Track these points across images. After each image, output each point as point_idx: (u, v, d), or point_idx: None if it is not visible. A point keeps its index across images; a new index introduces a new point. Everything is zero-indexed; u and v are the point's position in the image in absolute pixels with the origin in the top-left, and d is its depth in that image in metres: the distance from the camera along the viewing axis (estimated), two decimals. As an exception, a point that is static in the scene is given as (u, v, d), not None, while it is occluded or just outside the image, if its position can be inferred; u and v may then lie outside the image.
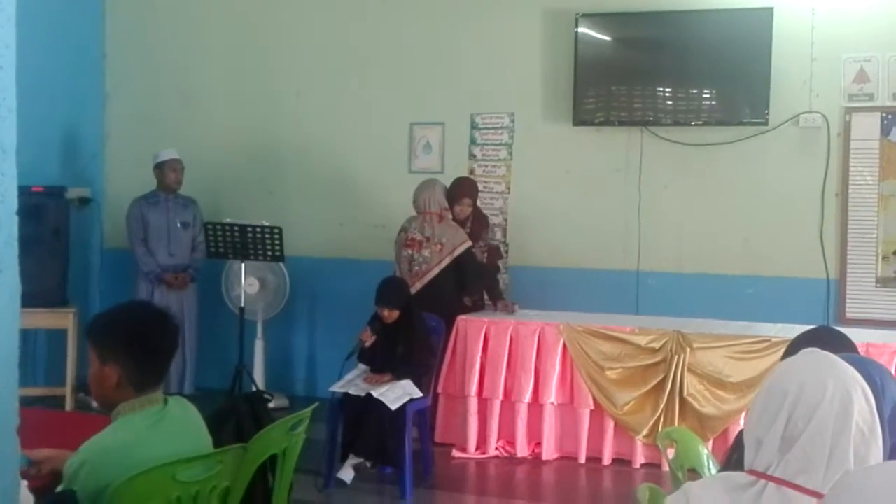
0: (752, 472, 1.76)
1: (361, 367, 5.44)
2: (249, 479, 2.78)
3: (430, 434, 5.76)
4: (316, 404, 3.31)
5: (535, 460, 5.88)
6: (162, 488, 2.45)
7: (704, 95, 6.64)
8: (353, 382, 5.30)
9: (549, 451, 5.87)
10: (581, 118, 6.81)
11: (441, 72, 7.23)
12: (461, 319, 6.04)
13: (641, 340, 5.73)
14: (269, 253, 6.75)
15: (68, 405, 6.61)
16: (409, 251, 6.18)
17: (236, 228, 6.75)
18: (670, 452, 3.22)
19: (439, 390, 5.95)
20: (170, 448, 2.51)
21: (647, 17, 6.73)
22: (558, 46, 6.90)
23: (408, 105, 7.30)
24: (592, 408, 5.78)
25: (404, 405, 5.15)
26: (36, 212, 6.42)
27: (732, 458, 2.39)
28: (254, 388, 6.53)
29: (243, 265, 6.83)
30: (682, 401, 5.57)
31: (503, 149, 7.14)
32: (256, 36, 7.68)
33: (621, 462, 5.78)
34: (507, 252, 7.03)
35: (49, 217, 6.68)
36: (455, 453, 5.96)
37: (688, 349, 5.58)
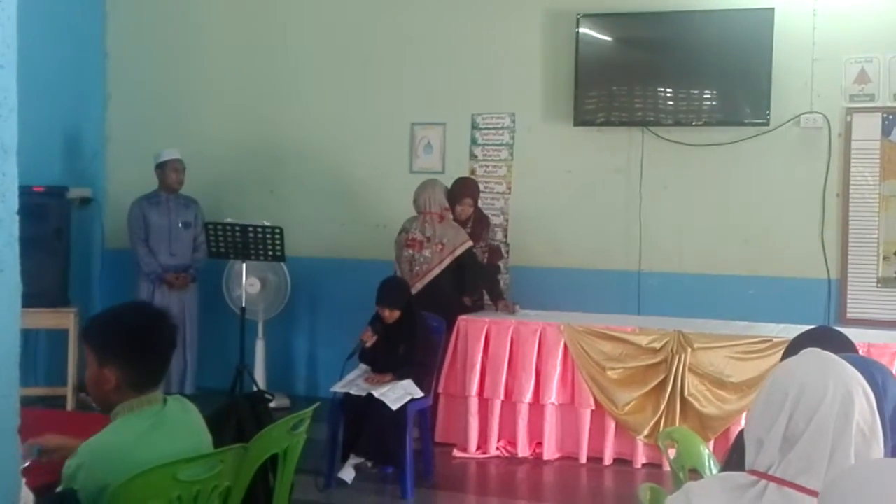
0: (752, 472, 1.76)
1: (362, 367, 5.44)
2: (250, 479, 2.78)
3: (431, 434, 5.76)
4: (317, 404, 3.31)
5: (536, 460, 5.88)
6: (163, 488, 2.45)
7: (705, 96, 6.64)
8: (355, 382, 5.30)
9: (550, 451, 5.87)
10: (582, 118, 6.81)
11: (442, 72, 7.23)
12: (462, 319, 6.04)
13: (642, 340, 5.73)
14: (271, 253, 6.76)
15: (69, 405, 6.61)
16: (411, 251, 6.17)
17: (237, 228, 6.76)
18: (671, 452, 3.22)
19: (440, 390, 5.95)
20: (169, 448, 2.50)
21: (649, 17, 6.73)
22: (559, 47, 6.90)
23: (409, 105, 7.30)
24: (593, 408, 5.78)
25: (405, 405, 5.16)
26: (37, 212, 6.41)
27: (733, 458, 2.38)
28: (255, 388, 6.53)
29: (244, 265, 6.84)
30: (684, 401, 5.57)
31: (504, 149, 7.14)
32: (258, 36, 7.68)
33: (622, 462, 5.78)
34: (508, 252, 7.03)
35: (50, 217, 6.68)
36: (456, 453, 5.96)
37: (689, 349, 5.58)
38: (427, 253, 6.13)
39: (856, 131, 6.36)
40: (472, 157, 7.21)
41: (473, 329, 5.99)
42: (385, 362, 5.34)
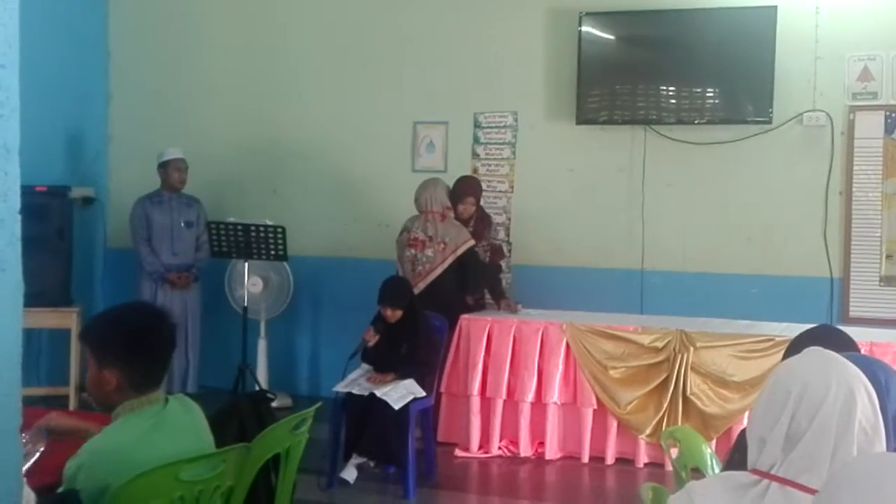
0: (755, 471, 1.76)
1: (365, 366, 5.44)
2: (252, 479, 2.78)
3: (434, 433, 5.76)
4: (319, 404, 3.31)
5: (539, 460, 5.88)
6: (165, 488, 2.45)
7: (708, 94, 6.63)
8: (357, 382, 5.30)
9: (552, 451, 5.87)
10: (585, 117, 6.81)
11: (444, 70, 7.23)
12: (464, 319, 6.04)
13: (645, 339, 5.73)
14: (273, 252, 6.76)
15: (71, 404, 6.62)
16: (413, 251, 6.17)
17: (240, 228, 6.76)
18: (674, 452, 3.22)
19: (442, 390, 5.95)
20: (170, 448, 2.50)
21: (651, 15, 6.72)
22: (562, 45, 6.89)
23: (411, 104, 7.30)
24: (596, 407, 5.78)
25: (407, 405, 5.15)
26: (39, 211, 6.41)
27: (735, 457, 2.38)
28: (257, 388, 6.54)
29: (247, 264, 6.85)
30: (686, 400, 5.56)
31: (506, 148, 7.13)
32: (260, 35, 7.68)
33: (625, 461, 5.77)
34: (510, 251, 7.03)
35: (53, 216, 6.68)
36: (458, 453, 5.96)
37: (691, 348, 5.58)
38: (429, 252, 6.13)
39: (859, 129, 6.35)
40: (475, 155, 7.21)
41: (475, 328, 5.99)
42: (387, 362, 5.33)
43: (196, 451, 2.57)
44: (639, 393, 5.68)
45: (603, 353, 5.77)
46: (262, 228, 6.74)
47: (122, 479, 2.36)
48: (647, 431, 5.65)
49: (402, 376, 5.26)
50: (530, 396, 5.85)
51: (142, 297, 6.64)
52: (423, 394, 5.29)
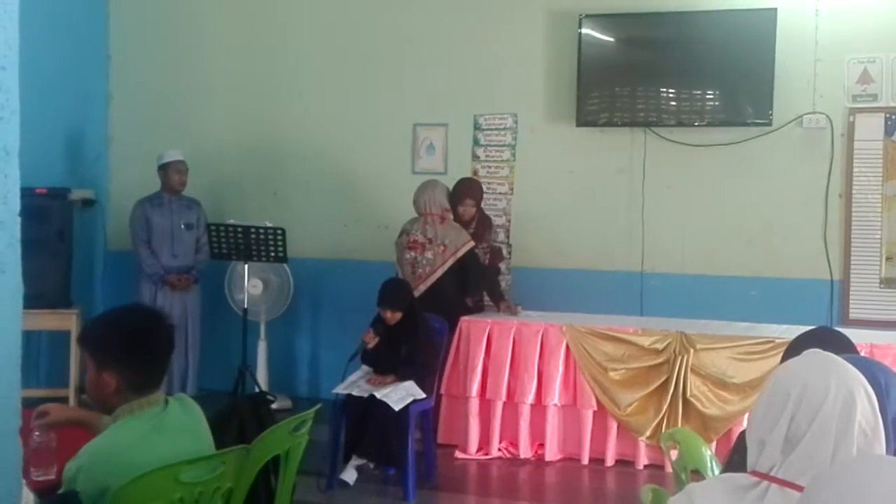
0: (754, 473, 1.76)
1: (364, 368, 5.43)
2: (252, 481, 2.78)
3: (433, 435, 5.76)
4: (319, 405, 3.31)
5: (538, 461, 5.88)
6: (165, 489, 2.45)
7: (708, 96, 6.64)
8: (357, 384, 5.30)
9: (552, 453, 5.87)
10: (584, 119, 6.81)
11: (444, 73, 7.23)
12: (464, 320, 6.04)
13: (645, 341, 5.73)
14: (273, 254, 6.76)
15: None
16: (413, 253, 6.17)
17: (240, 230, 6.76)
18: (673, 454, 3.22)
19: (442, 391, 5.94)
20: (170, 450, 2.50)
21: (651, 17, 6.72)
22: (562, 47, 6.90)
23: (411, 106, 7.30)
24: (595, 409, 5.78)
25: (407, 406, 5.15)
26: (39, 213, 6.40)
27: (735, 459, 2.38)
28: (257, 390, 6.53)
29: (247, 266, 6.85)
30: (686, 402, 5.56)
31: (506, 150, 7.14)
32: (260, 37, 7.68)
33: (624, 463, 5.77)
34: (510, 253, 7.03)
35: (52, 218, 6.67)
36: (458, 454, 5.96)
37: (691, 350, 5.58)
38: (429, 255, 6.12)
39: (858, 132, 6.36)
40: (475, 157, 7.21)
41: (475, 330, 5.99)
42: (387, 363, 5.33)
43: (196, 453, 2.57)
44: (639, 395, 5.68)
45: (603, 355, 5.77)
46: (261, 230, 6.75)
47: (121, 481, 2.36)
48: (647, 433, 5.64)
49: (402, 378, 5.26)
50: (530, 398, 5.85)
51: (142, 300, 6.64)
52: (423, 395, 5.29)
